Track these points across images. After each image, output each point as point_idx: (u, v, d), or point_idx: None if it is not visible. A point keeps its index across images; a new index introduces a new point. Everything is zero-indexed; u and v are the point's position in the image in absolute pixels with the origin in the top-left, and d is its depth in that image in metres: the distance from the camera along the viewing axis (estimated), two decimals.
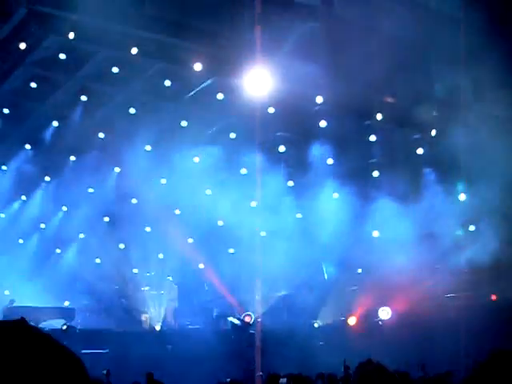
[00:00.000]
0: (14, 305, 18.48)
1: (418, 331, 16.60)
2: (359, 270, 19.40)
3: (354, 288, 19.37)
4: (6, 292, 20.15)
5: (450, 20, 18.57)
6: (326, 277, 20.65)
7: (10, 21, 14.89)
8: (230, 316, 19.80)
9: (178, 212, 20.11)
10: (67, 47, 15.55)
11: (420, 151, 18.10)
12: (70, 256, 20.97)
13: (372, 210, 18.43)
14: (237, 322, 19.25)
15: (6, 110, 17.35)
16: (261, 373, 14.80)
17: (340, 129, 17.55)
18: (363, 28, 17.42)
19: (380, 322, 18.53)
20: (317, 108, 17.45)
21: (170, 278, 20.86)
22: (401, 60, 16.85)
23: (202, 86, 16.91)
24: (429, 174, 18.23)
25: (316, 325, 19.32)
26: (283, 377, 9.87)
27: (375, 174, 18.62)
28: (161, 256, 21.18)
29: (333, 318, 19.51)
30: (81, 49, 15.72)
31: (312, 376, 11.33)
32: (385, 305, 18.53)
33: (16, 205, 20.43)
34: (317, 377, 11.91)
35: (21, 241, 20.98)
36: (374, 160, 18.61)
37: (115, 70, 16.31)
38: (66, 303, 20.11)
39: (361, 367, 4.09)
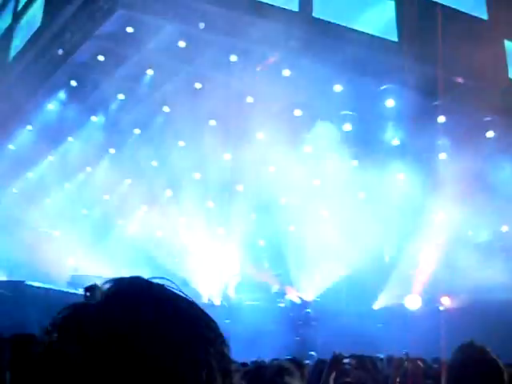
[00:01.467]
0: (78, 273, 18.88)
1: (482, 320, 16.09)
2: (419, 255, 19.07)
3: (415, 271, 19.05)
4: (71, 261, 20.62)
5: None
6: None
7: None
8: (288, 294, 19.79)
9: (240, 188, 20.10)
10: (134, 21, 15.53)
11: (490, 134, 17.52)
12: (132, 228, 21.25)
13: (438, 192, 18.02)
14: (296, 299, 19.23)
15: (73, 83, 17.51)
16: (313, 353, 14.67)
17: (407, 109, 17.13)
18: (435, 5, 16.93)
19: (441, 308, 18.23)
20: (384, 87, 17.06)
21: (229, 254, 20.89)
22: (472, 38, 16.33)
23: (269, 62, 16.70)
24: (499, 158, 17.66)
25: (375, 307, 19.14)
26: (348, 357, 9.77)
27: (442, 156, 18.16)
28: (221, 231, 21.27)
29: (392, 300, 19.27)
30: (148, 23, 15.66)
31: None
32: (446, 292, 18.22)
33: (81, 176, 20.76)
34: (380, 359, 11.66)
35: (85, 211, 21.37)
36: (441, 142, 18.13)
37: (182, 44, 16.23)
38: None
39: (463, 350, 3.62)
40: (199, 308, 1.17)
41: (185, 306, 1.15)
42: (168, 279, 1.19)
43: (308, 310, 18.91)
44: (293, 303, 19.13)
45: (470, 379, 3.42)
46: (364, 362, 9.69)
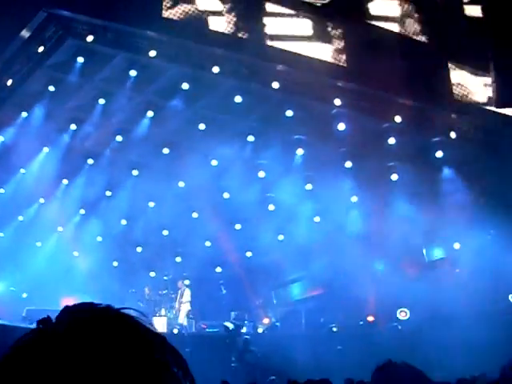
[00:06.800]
0: (34, 308, 18.38)
1: (441, 332, 16.10)
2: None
3: (372, 291, 19.19)
4: (24, 295, 20.20)
5: (468, 21, 18.47)
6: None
7: (29, 25, 14.89)
8: (246, 320, 19.65)
9: (195, 215, 20.08)
10: (82, 51, 15.52)
11: (439, 154, 17.91)
12: (87, 259, 20.94)
13: (391, 213, 18.31)
14: (230, 326, 18.90)
15: (24, 114, 17.29)
16: (273, 377, 14.58)
17: (358, 132, 17.41)
18: (382, 30, 17.36)
19: (399, 327, 18.39)
20: (335, 111, 17.31)
21: (187, 282, 20.76)
22: (418, 62, 16.77)
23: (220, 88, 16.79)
24: (449, 177, 18.07)
25: (335, 329, 19.18)
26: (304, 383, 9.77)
27: (394, 177, 18.45)
28: (178, 259, 21.17)
29: (351, 321, 19.37)
30: (99, 52, 15.66)
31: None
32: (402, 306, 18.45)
33: (34, 207, 20.41)
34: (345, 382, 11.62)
35: (38, 244, 20.98)
36: (392, 163, 18.45)
37: (133, 73, 16.22)
38: None
39: (380, 370, 3.63)
40: (157, 334, 1.18)
41: (142, 332, 1.15)
42: (132, 308, 1.19)
43: (246, 337, 18.62)
44: (227, 329, 18.81)
45: None
46: None
